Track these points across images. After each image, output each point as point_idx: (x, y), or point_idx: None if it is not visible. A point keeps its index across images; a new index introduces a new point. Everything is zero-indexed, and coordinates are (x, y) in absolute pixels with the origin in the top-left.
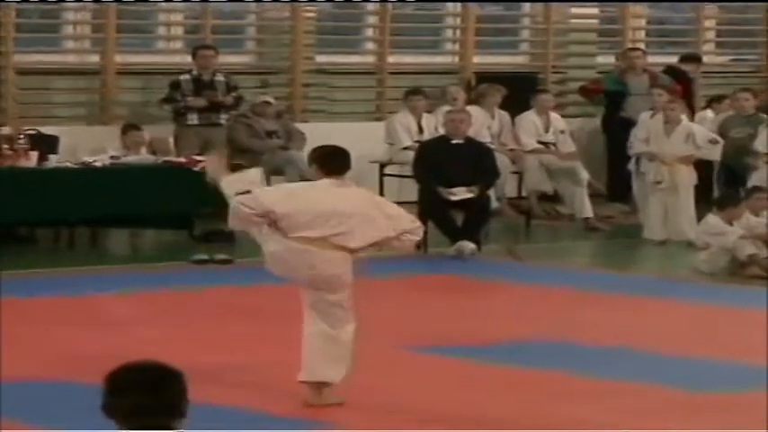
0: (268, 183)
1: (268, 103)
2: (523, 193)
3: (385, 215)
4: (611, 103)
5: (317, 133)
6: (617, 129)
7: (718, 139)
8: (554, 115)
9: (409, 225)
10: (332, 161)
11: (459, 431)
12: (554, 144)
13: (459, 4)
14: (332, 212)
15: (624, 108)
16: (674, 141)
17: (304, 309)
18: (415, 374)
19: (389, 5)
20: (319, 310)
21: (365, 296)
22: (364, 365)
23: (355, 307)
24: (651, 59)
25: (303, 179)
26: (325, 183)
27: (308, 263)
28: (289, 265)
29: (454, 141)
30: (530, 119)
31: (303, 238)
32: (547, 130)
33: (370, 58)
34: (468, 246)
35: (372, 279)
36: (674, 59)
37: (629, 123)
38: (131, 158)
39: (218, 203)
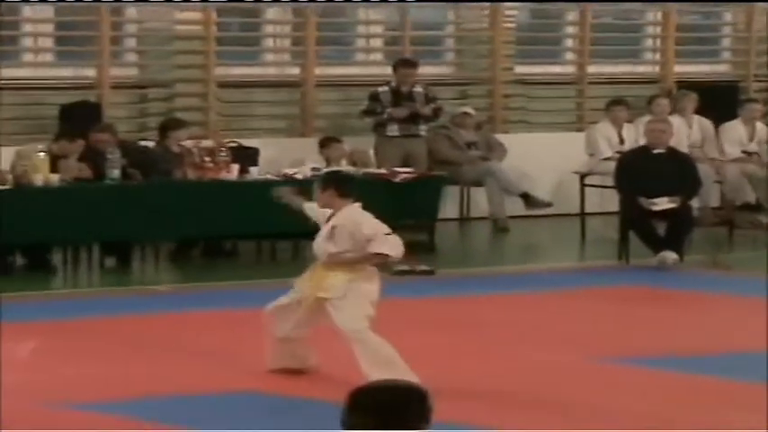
0: (468, 194)
1: (468, 114)
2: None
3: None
4: None
5: (517, 144)
6: None
7: None
8: (759, 125)
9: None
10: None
11: None
12: (757, 154)
13: (659, 13)
14: None
15: None
16: None
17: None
18: (617, 385)
19: (589, 15)
20: None
21: (566, 307)
22: (565, 377)
23: (555, 318)
24: None
25: (503, 190)
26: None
27: None
28: None
29: (656, 151)
30: (735, 128)
31: None
32: (751, 140)
33: (570, 68)
34: (671, 256)
35: (574, 290)
36: None
37: None
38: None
39: (420, 215)
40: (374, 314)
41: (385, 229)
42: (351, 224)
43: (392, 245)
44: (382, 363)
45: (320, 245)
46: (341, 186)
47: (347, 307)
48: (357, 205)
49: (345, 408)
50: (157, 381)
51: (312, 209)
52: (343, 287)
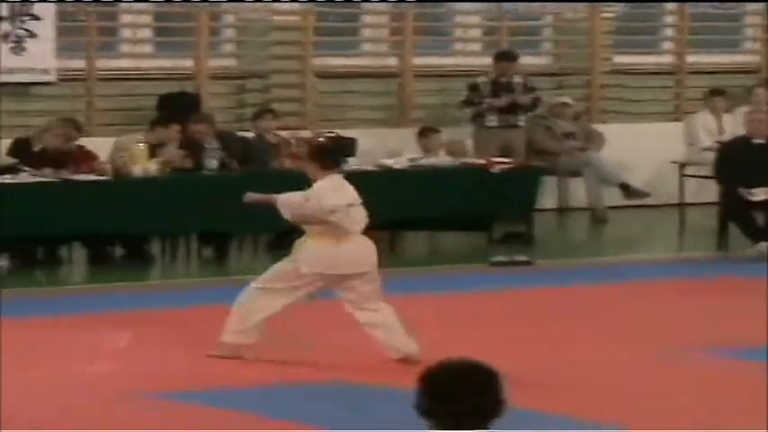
0: (566, 184)
1: (566, 104)
2: None
3: None
4: None
5: (615, 134)
6: None
7: None
8: None
9: None
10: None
11: None
12: None
13: (761, 3)
14: None
15: None
16: None
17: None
18: (714, 377)
19: (688, 4)
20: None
21: (664, 299)
22: (663, 368)
23: (653, 310)
24: None
25: (601, 180)
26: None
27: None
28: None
29: (756, 141)
30: None
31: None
32: None
33: (669, 58)
34: None
35: (672, 281)
36: None
37: None
38: (429, 161)
39: (518, 205)
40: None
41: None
42: None
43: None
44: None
45: None
46: (323, 159)
47: None
48: (338, 176)
49: (423, 393)
50: (252, 371)
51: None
52: None
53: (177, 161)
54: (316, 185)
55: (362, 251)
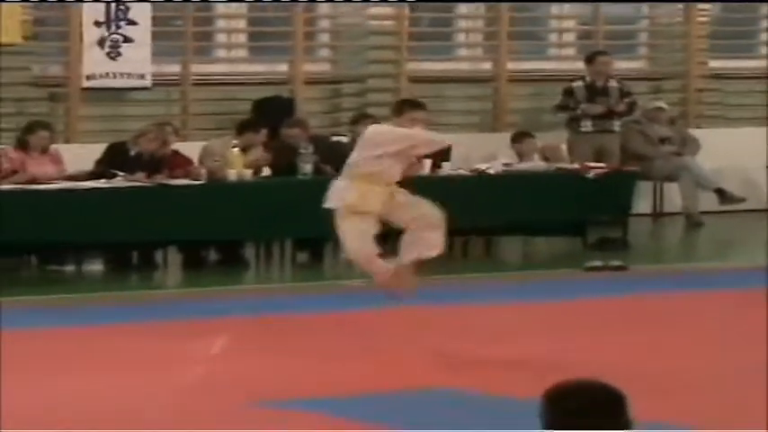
0: (661, 189)
1: (661, 109)
2: None
3: None
4: None
5: (711, 139)
6: None
7: None
8: None
9: None
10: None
11: None
12: None
13: None
14: None
15: None
16: None
17: None
18: None
19: None
20: None
21: (758, 306)
22: (758, 378)
23: (747, 317)
24: None
25: (697, 185)
26: None
27: None
28: None
29: None
30: None
31: None
32: None
33: (765, 62)
34: None
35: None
36: None
37: None
38: (524, 166)
39: (613, 210)
40: None
41: None
42: None
43: None
44: None
45: None
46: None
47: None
48: None
49: (544, 406)
50: (351, 377)
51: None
52: None
53: (262, 164)
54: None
55: None
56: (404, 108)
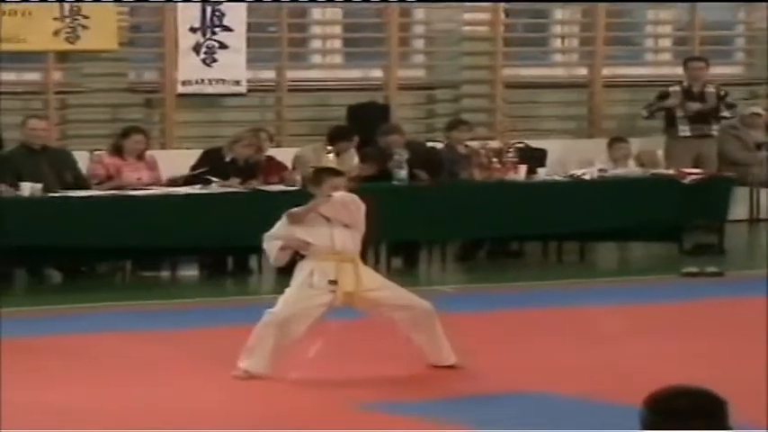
0: (757, 195)
1: (758, 114)
2: None
3: None
4: None
5: None
6: None
7: None
8: None
9: None
10: None
11: None
12: None
13: None
14: None
15: None
16: None
17: None
18: None
19: None
20: None
21: None
22: None
23: None
24: None
25: None
26: None
27: None
28: None
29: None
30: None
31: None
32: None
33: None
34: None
35: None
36: None
37: None
38: (619, 171)
39: (709, 216)
40: None
41: None
42: None
43: None
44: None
45: None
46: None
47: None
48: None
49: (646, 411)
50: (449, 380)
51: None
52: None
53: (354, 171)
54: None
55: None
56: (322, 177)
